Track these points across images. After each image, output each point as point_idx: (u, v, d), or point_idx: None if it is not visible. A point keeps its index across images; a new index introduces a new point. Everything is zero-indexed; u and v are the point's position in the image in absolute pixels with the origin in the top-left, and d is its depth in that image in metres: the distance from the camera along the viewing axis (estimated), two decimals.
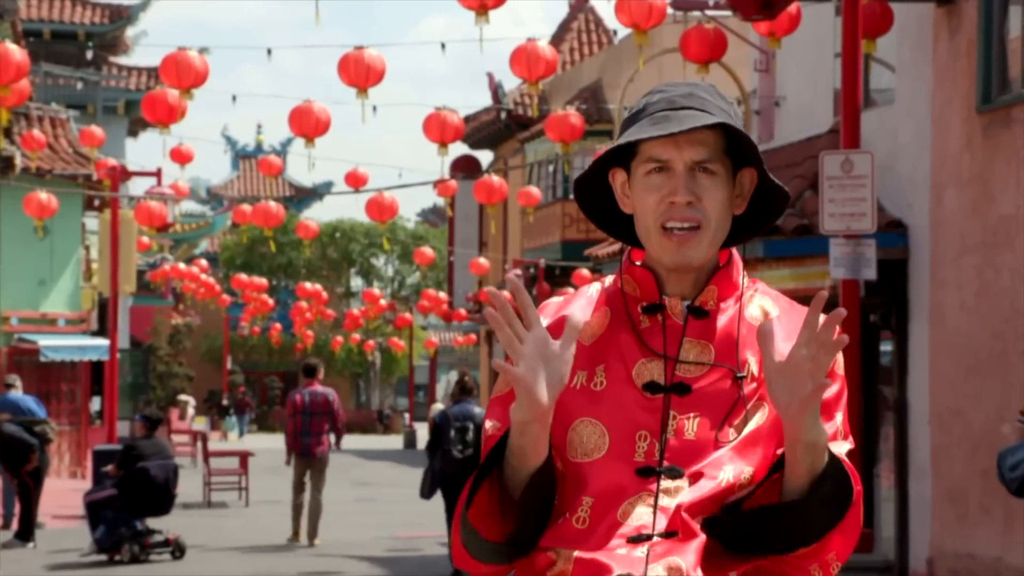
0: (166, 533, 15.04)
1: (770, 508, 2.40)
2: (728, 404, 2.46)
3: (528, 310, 2.36)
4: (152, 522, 15.15)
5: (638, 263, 2.58)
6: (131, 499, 14.68)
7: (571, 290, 2.70)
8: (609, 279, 2.64)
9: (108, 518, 14.75)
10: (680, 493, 2.42)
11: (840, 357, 2.50)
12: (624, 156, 2.56)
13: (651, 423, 2.46)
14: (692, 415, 2.46)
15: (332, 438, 17.02)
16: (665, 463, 2.44)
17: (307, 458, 16.79)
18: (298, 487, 16.93)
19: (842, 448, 2.48)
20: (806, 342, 2.29)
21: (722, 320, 2.52)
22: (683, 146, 2.46)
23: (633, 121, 2.53)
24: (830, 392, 2.46)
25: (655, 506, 2.41)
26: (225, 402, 48.99)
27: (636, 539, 2.39)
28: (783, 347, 2.37)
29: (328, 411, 16.75)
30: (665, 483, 2.42)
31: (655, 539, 2.39)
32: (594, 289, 2.63)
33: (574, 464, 2.47)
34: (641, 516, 2.41)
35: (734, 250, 2.60)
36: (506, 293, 2.25)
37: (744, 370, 2.48)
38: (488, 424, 2.54)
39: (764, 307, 2.55)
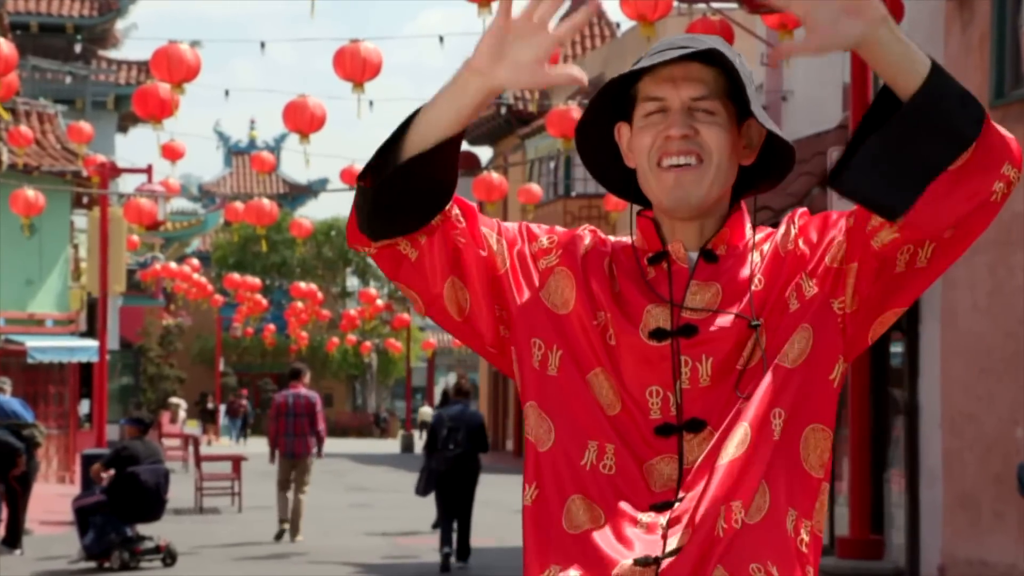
0: (157, 539, 15.04)
1: (900, 116, 2.27)
2: (741, 346, 2.45)
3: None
4: (143, 528, 15.15)
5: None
6: (121, 504, 14.68)
7: None
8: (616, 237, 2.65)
9: (97, 524, 14.74)
10: (705, 447, 2.41)
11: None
12: (628, 111, 2.58)
13: (662, 375, 2.45)
14: (704, 357, 2.45)
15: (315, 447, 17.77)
16: (684, 417, 2.44)
17: (291, 459, 17.54)
18: (283, 485, 17.62)
19: None
20: None
21: (731, 263, 2.51)
22: (680, 84, 2.48)
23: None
24: None
25: (680, 466, 2.42)
26: (210, 405, 48.97)
27: (660, 507, 2.41)
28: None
29: (311, 413, 17.47)
30: (688, 438, 2.43)
31: (676, 506, 2.40)
32: (600, 237, 2.63)
33: (596, 404, 2.48)
34: (665, 477, 2.43)
35: (743, 202, 2.60)
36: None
37: (758, 314, 2.46)
38: None
39: (766, 249, 2.55)
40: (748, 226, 2.56)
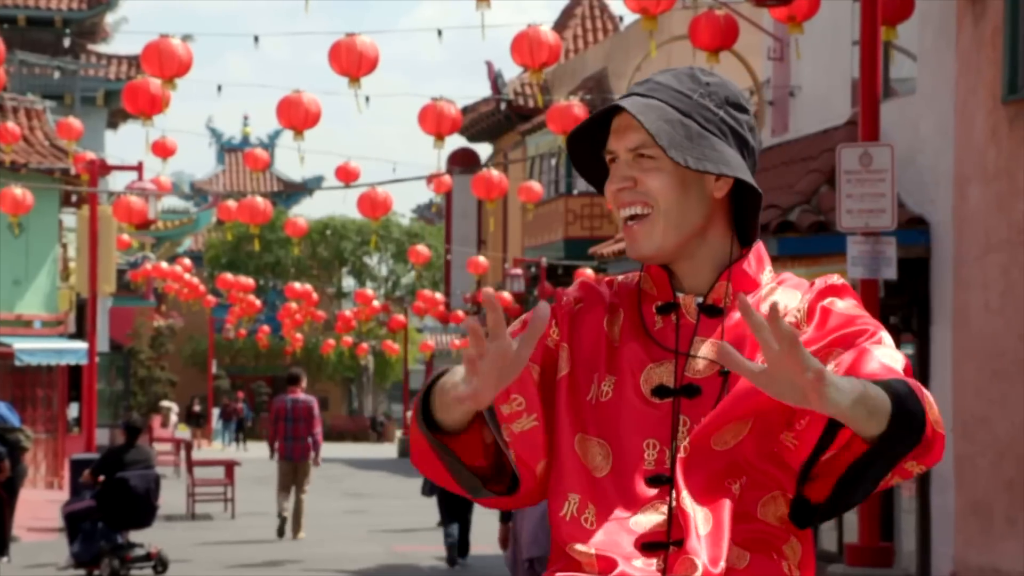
0: (147, 547, 15.04)
1: (856, 467, 2.38)
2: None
3: (498, 324, 2.38)
4: (133, 535, 15.15)
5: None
6: (111, 511, 14.67)
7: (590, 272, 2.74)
8: (618, 280, 2.68)
9: (87, 531, 14.74)
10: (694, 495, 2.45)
11: (840, 302, 2.51)
12: None
13: (660, 431, 2.49)
14: (703, 418, 2.47)
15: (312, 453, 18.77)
16: (679, 470, 2.46)
17: (292, 461, 18.58)
18: (284, 488, 18.64)
19: (891, 359, 2.40)
20: (767, 341, 2.20)
21: (734, 317, 2.52)
22: (622, 135, 2.54)
23: None
24: (841, 331, 2.46)
25: (669, 513, 2.45)
26: (197, 408, 48.95)
27: (651, 547, 2.44)
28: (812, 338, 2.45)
29: (310, 418, 18.55)
30: (680, 489, 2.45)
31: (671, 548, 2.44)
32: (605, 286, 2.67)
33: (587, 470, 2.53)
34: (654, 524, 2.46)
35: (759, 244, 2.61)
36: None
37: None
38: None
39: (778, 301, 2.50)
40: (765, 271, 2.59)
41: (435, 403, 2.50)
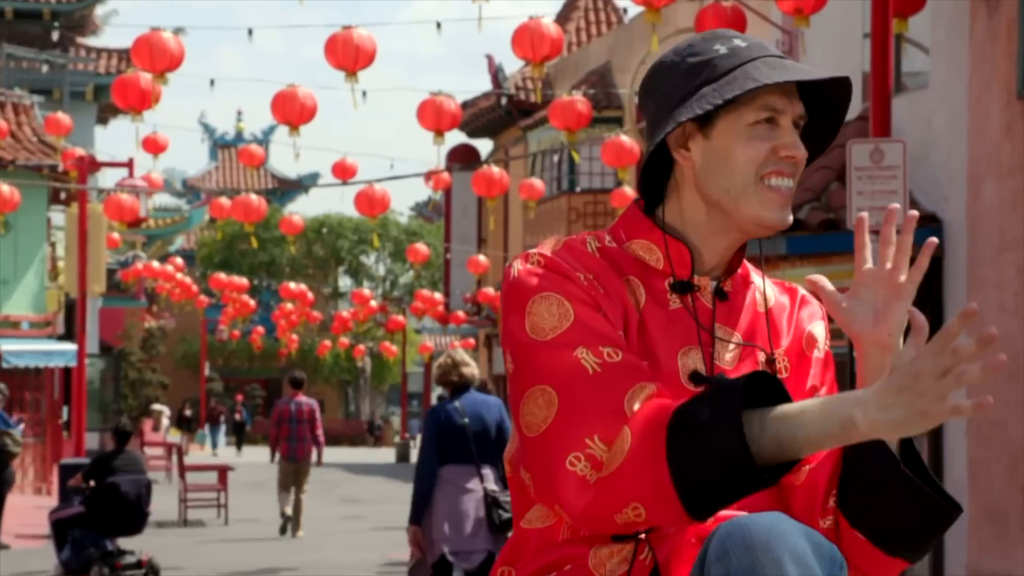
0: (138, 554, 15.02)
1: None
2: None
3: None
4: (123, 542, 15.15)
5: (665, 228, 2.50)
6: (100, 517, 14.67)
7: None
8: (592, 239, 2.53)
9: (76, 537, 14.73)
10: None
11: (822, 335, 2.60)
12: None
13: None
14: None
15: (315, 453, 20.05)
16: None
17: (294, 462, 19.76)
18: (285, 487, 19.91)
19: None
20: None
21: (740, 304, 2.52)
22: (793, 99, 2.48)
23: (699, 72, 2.46)
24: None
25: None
26: (188, 412, 49.05)
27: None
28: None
29: (312, 420, 19.85)
30: None
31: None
32: (592, 247, 2.51)
33: None
34: None
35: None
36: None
37: (775, 352, 2.50)
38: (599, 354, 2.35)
39: (765, 290, 2.58)
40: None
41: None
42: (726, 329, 2.47)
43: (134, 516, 14.84)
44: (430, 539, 9.25)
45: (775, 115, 2.44)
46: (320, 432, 19.81)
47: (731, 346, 2.46)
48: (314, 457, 19.78)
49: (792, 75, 2.41)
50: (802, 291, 2.60)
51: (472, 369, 9.41)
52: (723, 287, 2.49)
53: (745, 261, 2.56)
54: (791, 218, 2.45)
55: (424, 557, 9.43)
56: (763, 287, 2.55)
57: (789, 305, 2.57)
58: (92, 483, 14.80)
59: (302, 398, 19.83)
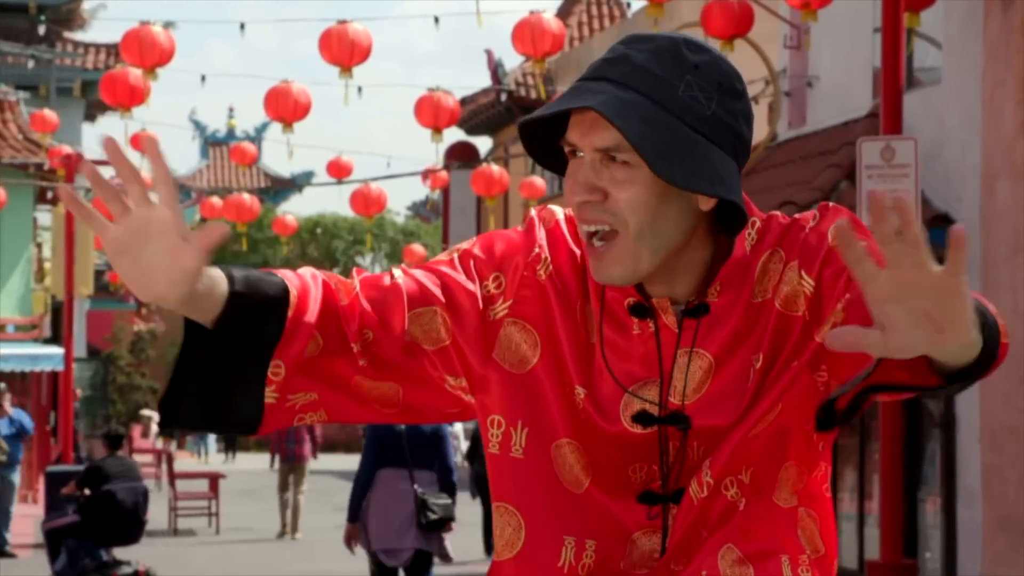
0: (135, 564, 14.94)
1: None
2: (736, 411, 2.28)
3: (164, 180, 2.16)
4: (119, 552, 15.08)
5: None
6: (96, 526, 14.53)
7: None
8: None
9: (70, 547, 14.60)
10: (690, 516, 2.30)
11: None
12: None
13: (646, 456, 2.30)
14: (696, 445, 2.29)
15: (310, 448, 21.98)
16: (671, 488, 2.30)
17: (291, 462, 21.29)
18: (283, 487, 21.30)
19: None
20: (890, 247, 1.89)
21: (726, 316, 2.28)
22: (587, 129, 2.21)
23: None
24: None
25: (663, 535, 2.31)
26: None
27: None
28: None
29: None
30: (673, 509, 2.30)
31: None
32: (564, 227, 2.36)
33: (560, 486, 2.31)
34: (647, 551, 2.31)
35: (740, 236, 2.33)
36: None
37: (756, 358, 2.27)
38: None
39: (778, 278, 2.29)
40: (748, 236, 2.31)
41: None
42: (701, 355, 2.27)
43: (130, 525, 14.70)
44: (366, 537, 10.05)
45: (574, 149, 2.25)
46: (317, 431, 22.47)
47: (690, 375, 2.27)
48: (310, 452, 21.86)
49: (541, 111, 2.23)
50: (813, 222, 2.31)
51: None
52: (706, 301, 2.28)
53: (761, 232, 2.31)
54: (619, 271, 2.21)
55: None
56: (769, 277, 2.30)
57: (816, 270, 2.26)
58: (86, 491, 14.71)
59: None
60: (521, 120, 2.29)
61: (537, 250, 2.34)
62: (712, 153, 2.19)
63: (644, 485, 2.31)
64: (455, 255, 2.36)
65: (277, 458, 22.00)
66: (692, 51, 2.24)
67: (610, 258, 2.21)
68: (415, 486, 9.91)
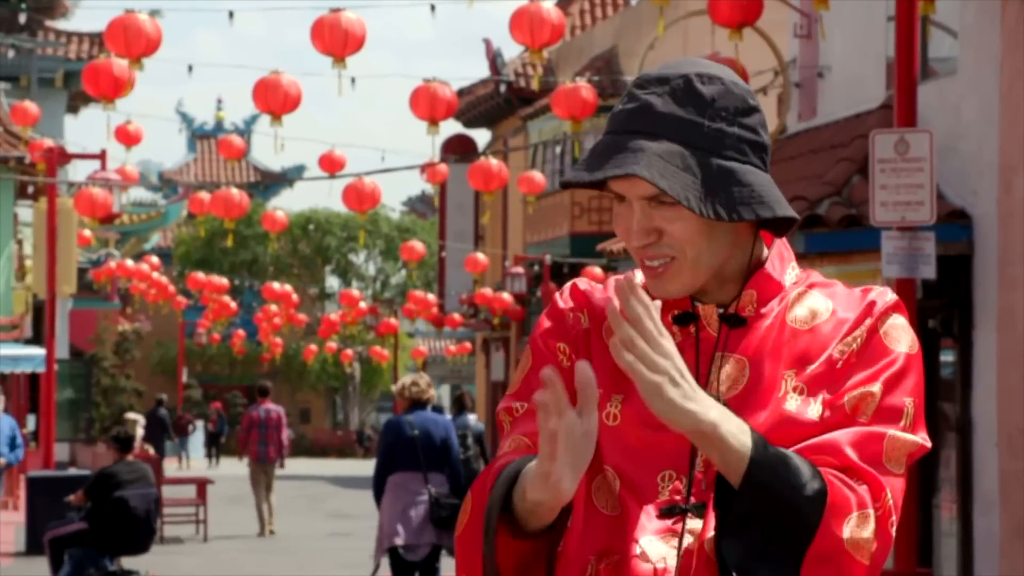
0: (143, 574, 14.73)
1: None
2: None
3: (559, 400, 2.30)
4: (127, 561, 14.90)
5: None
6: (105, 534, 14.24)
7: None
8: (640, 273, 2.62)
9: (75, 556, 14.25)
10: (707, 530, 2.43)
11: (895, 330, 2.49)
12: None
13: (677, 461, 2.48)
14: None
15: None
16: (692, 499, 2.45)
17: (264, 464, 23.07)
18: (257, 482, 23.11)
19: (873, 450, 2.40)
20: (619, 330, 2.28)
21: (762, 327, 2.52)
22: (633, 183, 2.45)
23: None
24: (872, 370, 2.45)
25: (679, 547, 2.43)
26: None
27: None
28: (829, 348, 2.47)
29: (279, 425, 23.27)
30: (691, 523, 2.44)
31: None
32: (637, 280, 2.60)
33: (597, 510, 2.51)
34: (662, 555, 2.44)
35: (780, 242, 2.59)
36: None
37: (779, 387, 2.47)
38: (506, 444, 2.57)
39: (814, 308, 2.53)
40: (788, 271, 2.57)
41: (516, 510, 2.41)
42: (736, 358, 2.50)
43: (142, 533, 14.38)
44: (381, 535, 11.58)
45: (621, 196, 2.50)
46: (286, 435, 23.44)
47: (724, 377, 2.49)
48: (280, 459, 23.42)
49: (575, 176, 2.46)
50: (873, 294, 2.55)
51: (422, 390, 11.72)
52: (739, 313, 2.52)
53: (813, 274, 2.59)
54: (677, 286, 2.49)
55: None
56: (792, 308, 2.53)
57: (852, 319, 2.52)
58: (88, 500, 14.46)
59: (270, 405, 23.50)
60: (563, 181, 2.55)
61: (570, 304, 2.64)
62: (747, 174, 2.47)
63: (668, 499, 2.47)
64: (532, 361, 2.62)
65: (247, 458, 23.70)
66: (705, 83, 2.49)
67: (668, 275, 2.49)
68: (429, 486, 11.35)
